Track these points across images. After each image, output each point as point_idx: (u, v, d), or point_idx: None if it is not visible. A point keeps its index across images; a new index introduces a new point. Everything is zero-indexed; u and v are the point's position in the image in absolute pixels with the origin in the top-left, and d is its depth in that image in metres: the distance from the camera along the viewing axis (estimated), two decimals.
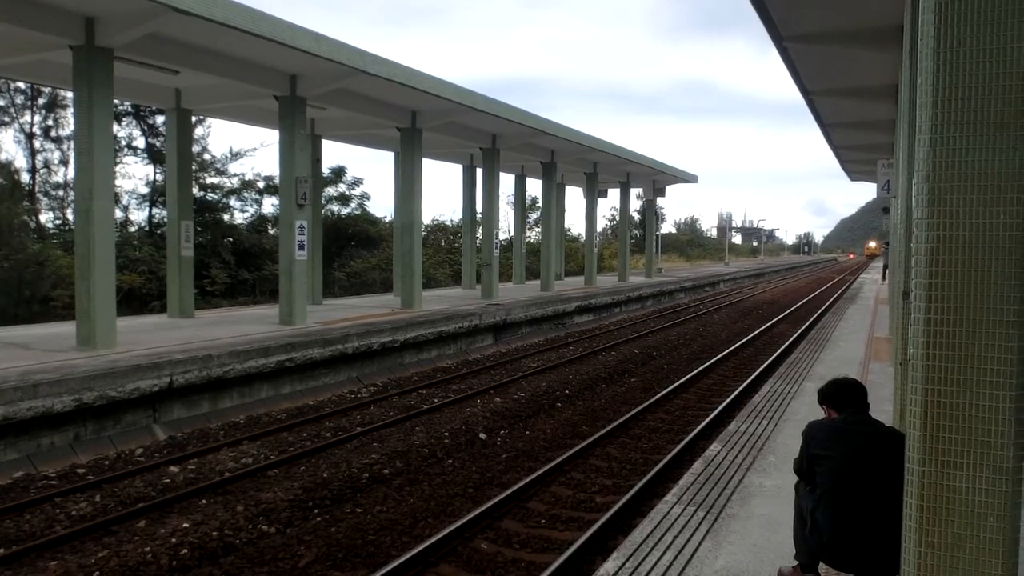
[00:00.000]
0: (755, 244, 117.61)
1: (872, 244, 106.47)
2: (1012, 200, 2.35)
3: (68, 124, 24.28)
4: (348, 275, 28.51)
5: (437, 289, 25.98)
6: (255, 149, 45.45)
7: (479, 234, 23.86)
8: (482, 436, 9.57)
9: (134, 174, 45.06)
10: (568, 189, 33.60)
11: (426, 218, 36.87)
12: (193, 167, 19.72)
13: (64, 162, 25.38)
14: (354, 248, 30.92)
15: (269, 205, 28.99)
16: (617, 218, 40.92)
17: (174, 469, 8.09)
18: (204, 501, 7.13)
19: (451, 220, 37.69)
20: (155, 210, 26.55)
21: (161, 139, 25.07)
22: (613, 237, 51.31)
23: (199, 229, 23.55)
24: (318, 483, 7.57)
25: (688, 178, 33.65)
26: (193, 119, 17.34)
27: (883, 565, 3.40)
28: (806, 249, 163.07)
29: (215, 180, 27.55)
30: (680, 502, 5.51)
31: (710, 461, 6.53)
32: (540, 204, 28.53)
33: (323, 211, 24.98)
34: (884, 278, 31.47)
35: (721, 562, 4.46)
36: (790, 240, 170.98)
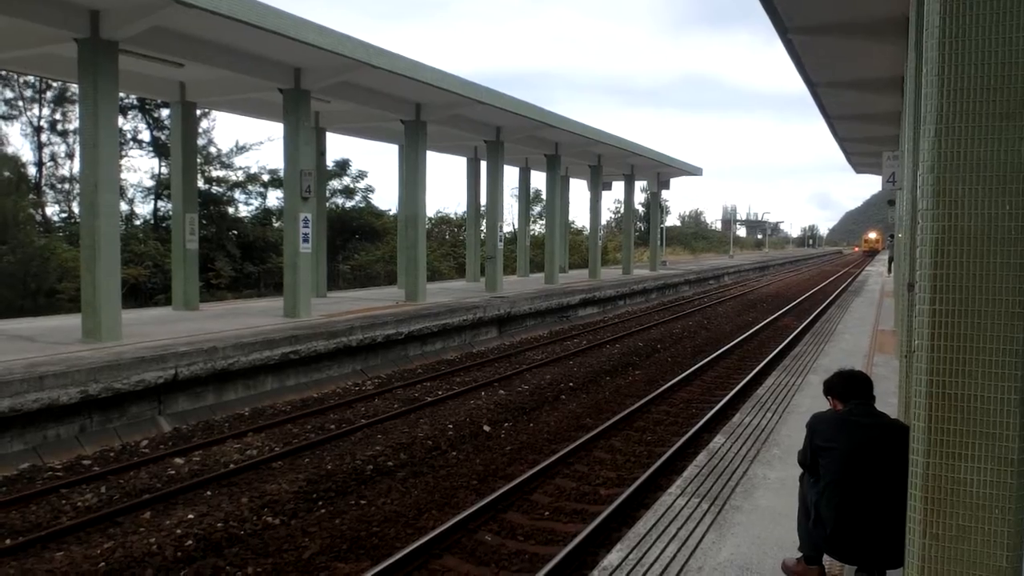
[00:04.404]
0: (760, 237, 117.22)
1: (872, 235, 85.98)
2: (1018, 190, 2.33)
3: (75, 118, 24.32)
4: (352, 268, 28.53)
5: (441, 282, 25.98)
6: (261, 143, 45.36)
7: (483, 227, 23.84)
8: (486, 428, 9.59)
9: (139, 167, 45.24)
10: (572, 182, 33.53)
11: (430, 211, 36.84)
12: (198, 160, 19.73)
13: (70, 155, 25.47)
14: (358, 241, 30.92)
15: (274, 198, 29.03)
16: (621, 211, 40.81)
17: (179, 461, 8.13)
18: (209, 493, 7.16)
19: (455, 213, 37.63)
20: (160, 203, 26.61)
21: (166, 132, 25.09)
22: (617, 230, 51.20)
23: (204, 222, 23.58)
24: (322, 475, 7.59)
25: (692, 171, 33.55)
26: (198, 112, 17.34)
27: (887, 557, 3.40)
28: (811, 242, 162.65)
29: (220, 173, 27.61)
30: (684, 494, 5.51)
31: (714, 453, 6.53)
32: (544, 197, 28.48)
33: (327, 204, 24.97)
34: (889, 271, 31.35)
35: (725, 554, 4.46)
36: (795, 233, 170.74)
